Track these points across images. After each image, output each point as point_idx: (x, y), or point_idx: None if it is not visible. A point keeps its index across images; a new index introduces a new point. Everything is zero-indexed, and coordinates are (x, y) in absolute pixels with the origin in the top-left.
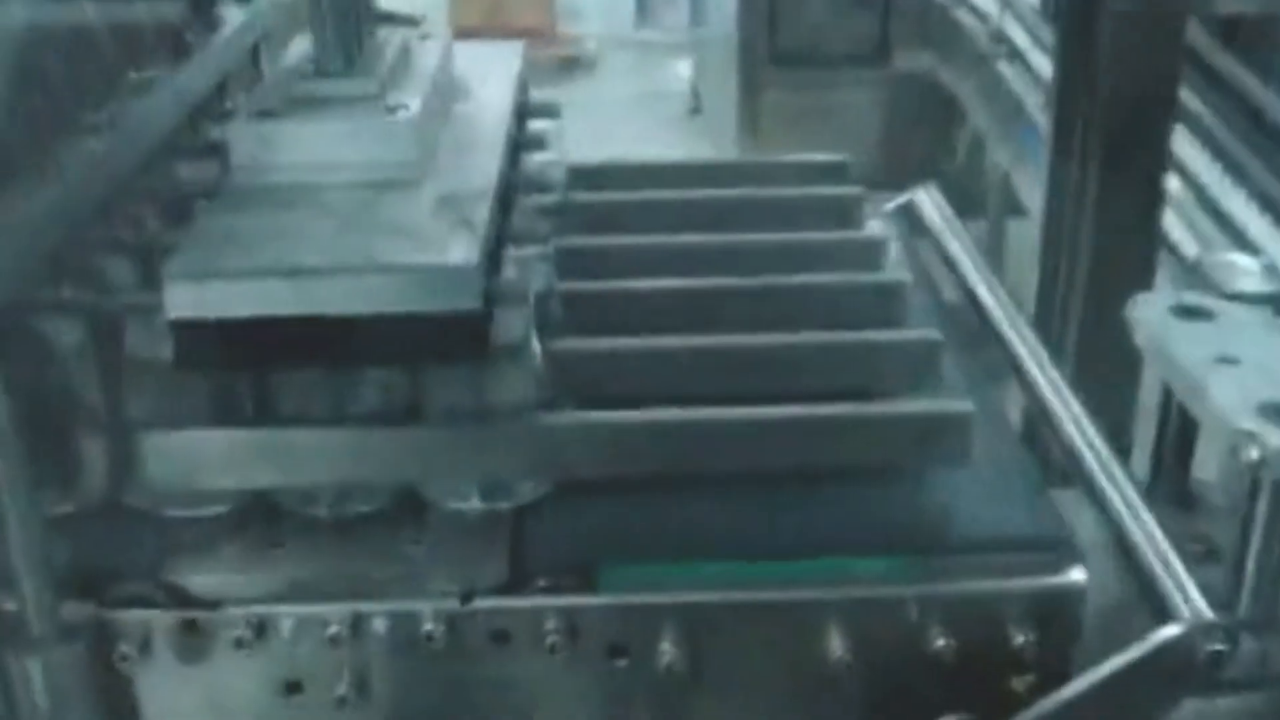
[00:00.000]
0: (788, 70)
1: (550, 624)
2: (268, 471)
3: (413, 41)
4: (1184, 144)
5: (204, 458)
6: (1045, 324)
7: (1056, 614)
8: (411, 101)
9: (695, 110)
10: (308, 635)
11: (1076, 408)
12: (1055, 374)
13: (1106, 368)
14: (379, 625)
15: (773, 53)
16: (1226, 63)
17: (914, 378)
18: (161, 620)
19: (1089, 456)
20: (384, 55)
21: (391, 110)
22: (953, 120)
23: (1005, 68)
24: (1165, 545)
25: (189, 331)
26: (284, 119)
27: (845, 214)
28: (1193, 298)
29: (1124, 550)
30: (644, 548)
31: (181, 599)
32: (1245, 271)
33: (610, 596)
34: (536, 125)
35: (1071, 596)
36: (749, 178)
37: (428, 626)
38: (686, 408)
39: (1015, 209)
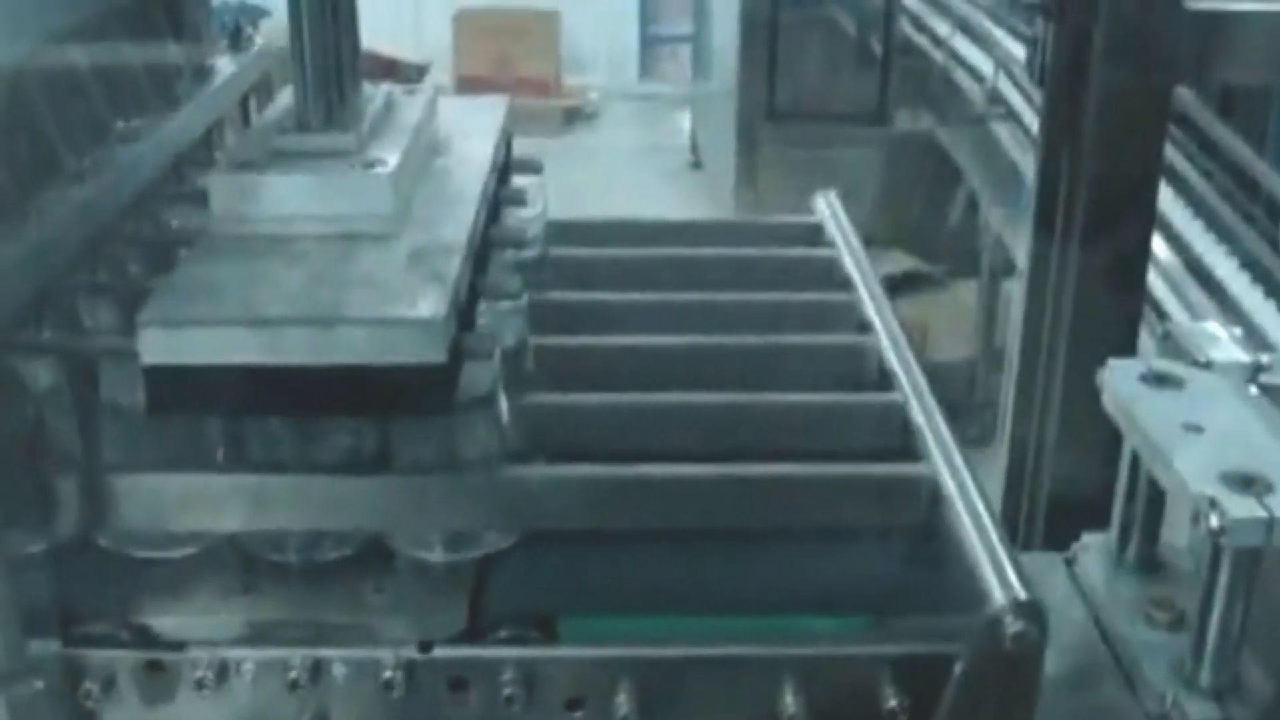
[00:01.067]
0: (786, 126)
1: (508, 675)
2: (236, 516)
3: (396, 96)
4: (1176, 210)
5: (173, 501)
6: (1028, 387)
7: (1013, 674)
8: (389, 157)
9: (695, 164)
10: (268, 679)
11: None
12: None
13: (1088, 432)
14: (339, 671)
15: (771, 109)
16: (1222, 132)
17: (882, 440)
18: (126, 660)
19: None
20: (366, 110)
21: (369, 165)
22: (950, 180)
23: (1000, 129)
24: (993, 534)
25: (161, 377)
26: (263, 171)
27: (822, 275)
28: (1163, 365)
29: (955, 549)
30: (604, 601)
31: (146, 640)
32: (1217, 340)
33: (569, 648)
34: (518, 181)
35: (1026, 653)
36: (726, 238)
37: (387, 674)
38: (652, 464)
39: (1009, 269)
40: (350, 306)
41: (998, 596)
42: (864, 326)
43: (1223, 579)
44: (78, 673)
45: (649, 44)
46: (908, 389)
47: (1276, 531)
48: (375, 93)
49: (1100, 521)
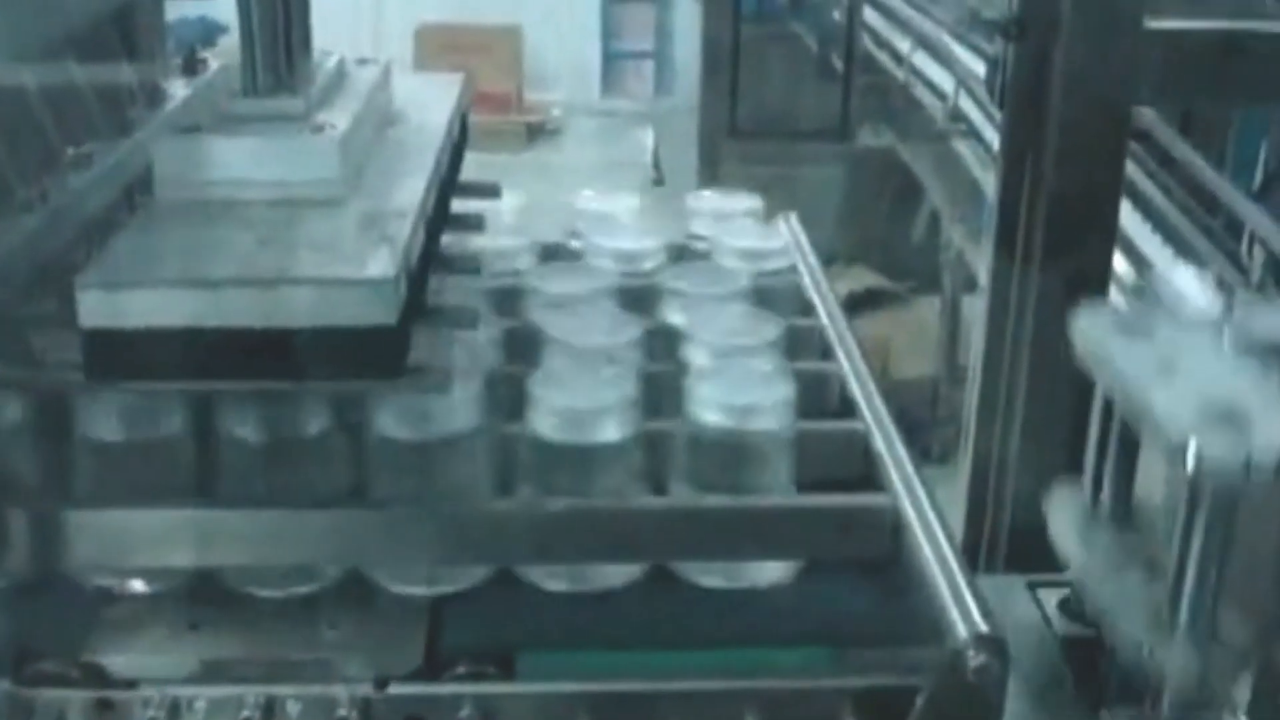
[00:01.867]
0: (748, 143)
1: (466, 711)
2: (191, 551)
3: (349, 64)
4: (1137, 227)
5: (129, 537)
6: (990, 404)
7: (975, 708)
8: (339, 121)
9: (658, 181)
10: (222, 717)
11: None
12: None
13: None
14: (293, 709)
15: (733, 126)
16: (1182, 150)
17: (841, 468)
18: (77, 699)
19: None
20: (315, 75)
21: (317, 130)
22: (912, 196)
23: (962, 145)
24: (954, 565)
25: (102, 341)
26: (208, 135)
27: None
28: (1137, 313)
29: (917, 580)
30: (563, 636)
31: (98, 678)
32: (1191, 290)
33: (527, 684)
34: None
35: (988, 687)
36: None
37: (342, 712)
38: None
39: (971, 286)
40: (296, 268)
41: (960, 630)
42: (825, 352)
43: (1201, 521)
44: (27, 712)
45: (612, 60)
46: (869, 417)
47: (1255, 468)
48: (326, 59)
49: None
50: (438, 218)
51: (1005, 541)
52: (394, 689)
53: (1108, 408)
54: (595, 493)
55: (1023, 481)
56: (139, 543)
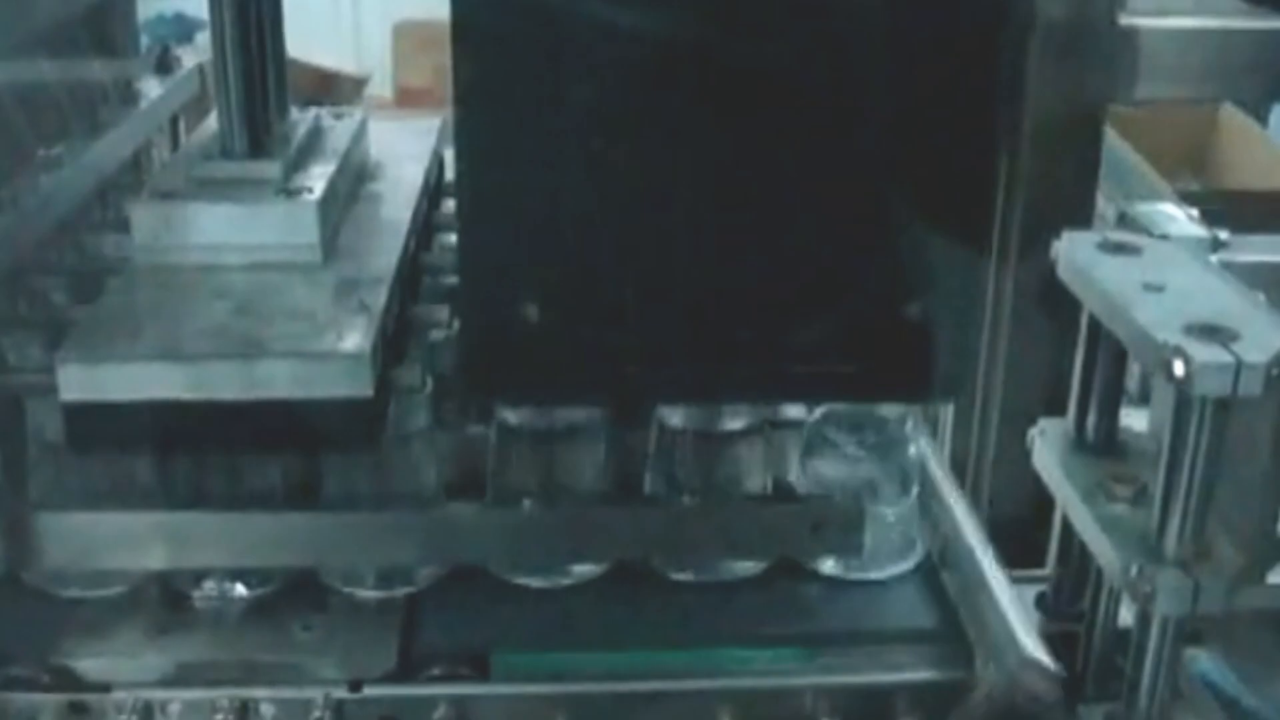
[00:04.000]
0: None
1: (441, 712)
2: (162, 554)
3: (325, 119)
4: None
5: (98, 539)
6: (965, 408)
7: (950, 708)
8: (315, 184)
9: None
10: None
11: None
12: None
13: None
14: (266, 712)
15: None
16: None
17: None
18: (48, 703)
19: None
20: (292, 135)
21: (293, 193)
22: None
23: None
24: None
25: (82, 414)
26: (185, 200)
27: None
28: (1120, 234)
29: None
30: (538, 636)
31: (69, 682)
32: (1175, 219)
33: (503, 685)
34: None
35: (965, 690)
36: None
37: (316, 714)
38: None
39: None
40: (274, 340)
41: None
42: None
43: (1190, 434)
44: None
45: None
46: None
47: (1244, 378)
48: (303, 117)
49: (1041, 532)
50: (415, 273)
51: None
52: (368, 690)
53: (1093, 332)
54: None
55: (999, 477)
56: (105, 546)
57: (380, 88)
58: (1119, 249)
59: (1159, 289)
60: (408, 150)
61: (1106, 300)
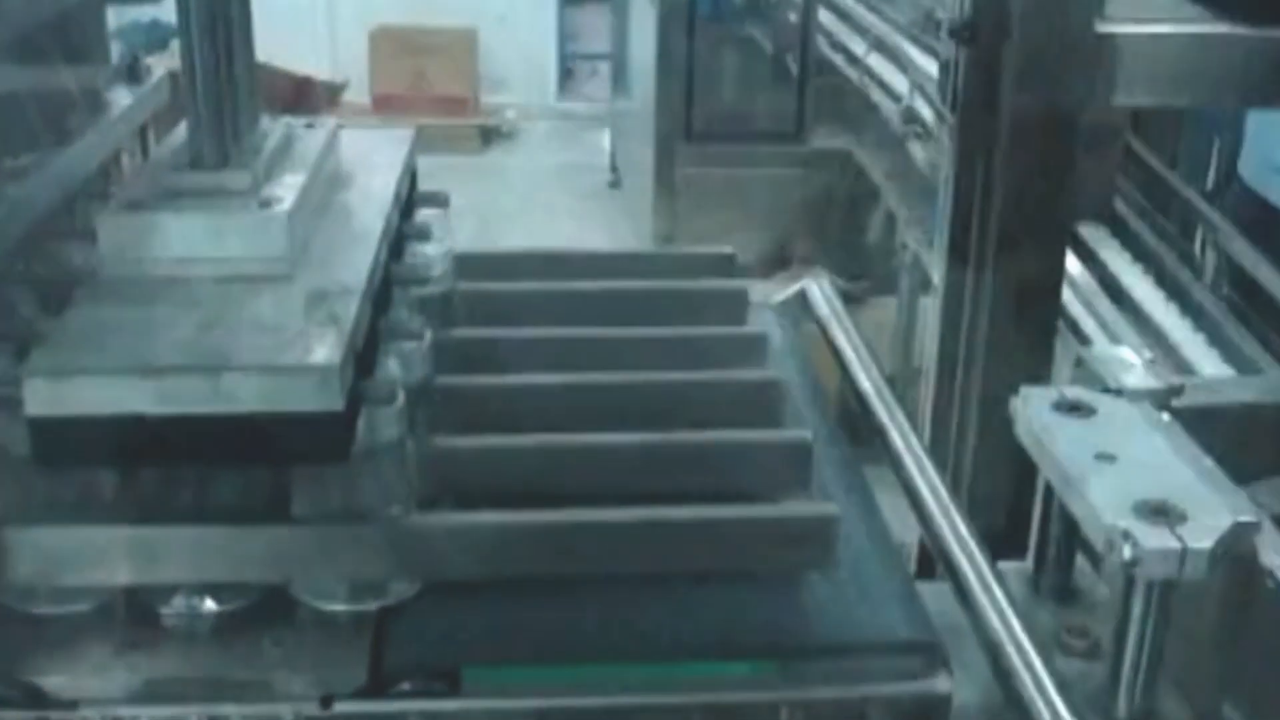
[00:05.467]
0: (703, 146)
1: None
2: (129, 569)
3: (296, 130)
4: (1090, 228)
5: (64, 554)
6: (944, 406)
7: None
8: (286, 195)
9: (615, 184)
10: None
11: (949, 504)
12: (931, 471)
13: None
14: None
15: (688, 128)
16: (1135, 150)
17: (786, 478)
18: None
19: (959, 556)
20: (262, 146)
21: (264, 204)
22: (868, 198)
23: (916, 148)
24: (1027, 645)
25: (48, 428)
26: (154, 211)
27: (730, 308)
28: (1075, 393)
29: (990, 651)
30: (509, 650)
31: (37, 699)
32: (1130, 366)
33: (473, 699)
34: (424, 214)
35: (937, 702)
36: (634, 270)
37: None
38: (557, 508)
39: (926, 286)
40: (243, 353)
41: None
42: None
43: (1137, 609)
44: None
45: (568, 62)
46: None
47: (1189, 562)
48: (273, 127)
49: (1018, 540)
50: (386, 282)
51: None
52: (339, 707)
53: (1050, 488)
54: None
55: (978, 483)
56: (75, 561)
57: (357, 94)
58: (1073, 410)
59: (1111, 459)
60: (379, 160)
61: (1060, 472)
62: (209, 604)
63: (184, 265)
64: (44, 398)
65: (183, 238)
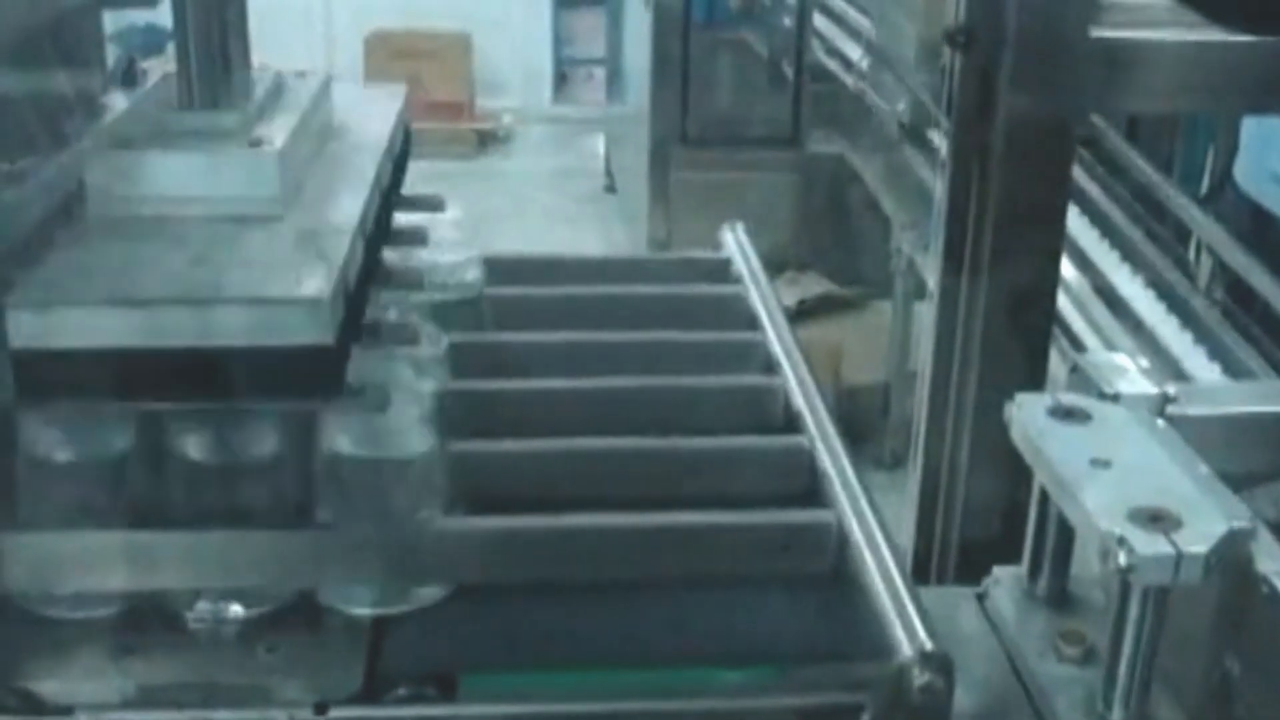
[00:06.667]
0: (699, 150)
1: None
2: (125, 575)
3: (288, 78)
4: (1086, 233)
5: (61, 561)
6: (939, 411)
7: None
8: (276, 136)
9: (610, 188)
10: None
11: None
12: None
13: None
14: None
15: (684, 132)
16: (1130, 156)
17: (786, 484)
18: None
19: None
20: (253, 90)
21: (254, 144)
22: (864, 203)
23: (911, 153)
24: (899, 582)
25: (33, 361)
26: (143, 150)
27: (729, 313)
28: (1070, 399)
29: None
30: (505, 656)
31: (33, 705)
32: (1125, 372)
33: (469, 705)
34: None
35: (936, 708)
36: (629, 275)
37: None
38: (553, 515)
39: (921, 292)
40: (231, 286)
41: (905, 647)
42: (770, 366)
43: (1132, 615)
44: None
45: (563, 66)
46: (814, 431)
47: (1184, 568)
48: (264, 74)
49: (1013, 545)
50: (378, 233)
51: (956, 550)
52: (334, 713)
53: (1044, 494)
54: None
55: (973, 490)
56: (75, 566)
57: None
58: (1068, 415)
59: (1106, 464)
60: (373, 111)
61: (1055, 478)
62: (229, 610)
63: (173, 204)
64: (29, 330)
65: (172, 176)
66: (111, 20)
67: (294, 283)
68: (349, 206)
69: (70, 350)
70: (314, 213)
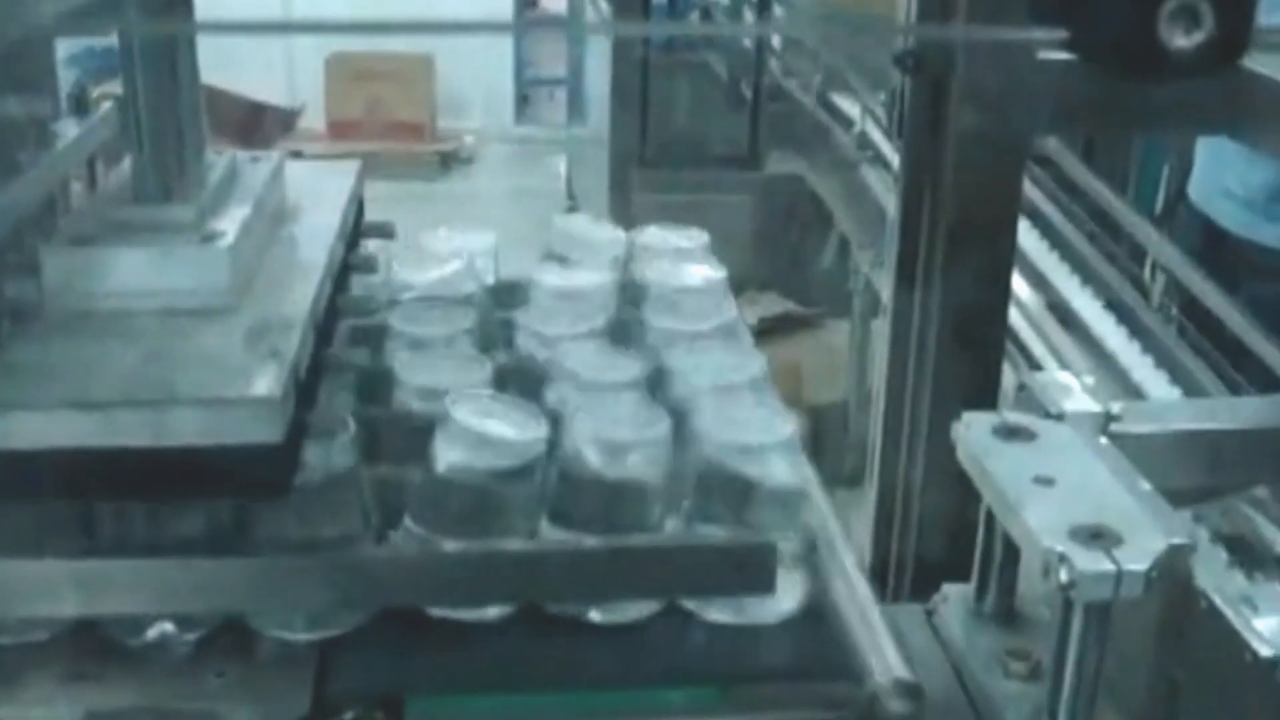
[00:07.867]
0: (658, 171)
1: None
2: (78, 602)
3: (241, 162)
4: (1041, 252)
5: (14, 588)
6: (893, 428)
7: None
8: (229, 228)
9: (573, 209)
10: None
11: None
12: None
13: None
14: None
15: (643, 153)
16: (1085, 175)
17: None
18: None
19: None
20: (207, 180)
21: (207, 238)
22: (822, 223)
23: (868, 173)
24: (869, 607)
25: None
26: (98, 245)
27: None
28: (1015, 418)
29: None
30: (452, 679)
31: None
32: (1070, 391)
33: None
34: (371, 246)
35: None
36: None
37: None
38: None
39: (878, 310)
40: (184, 386)
41: (877, 675)
42: None
43: (1075, 630)
44: None
45: (525, 87)
46: None
47: (1125, 584)
48: (218, 160)
49: (967, 562)
50: (329, 318)
51: (911, 565)
52: None
53: (991, 513)
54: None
55: (927, 507)
56: (22, 594)
57: (313, 120)
58: (1013, 434)
59: (1049, 483)
60: (325, 191)
61: (999, 496)
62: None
63: (127, 299)
64: None
65: (125, 271)
66: (68, 43)
67: (245, 383)
68: (300, 297)
69: (25, 452)
70: (266, 304)
